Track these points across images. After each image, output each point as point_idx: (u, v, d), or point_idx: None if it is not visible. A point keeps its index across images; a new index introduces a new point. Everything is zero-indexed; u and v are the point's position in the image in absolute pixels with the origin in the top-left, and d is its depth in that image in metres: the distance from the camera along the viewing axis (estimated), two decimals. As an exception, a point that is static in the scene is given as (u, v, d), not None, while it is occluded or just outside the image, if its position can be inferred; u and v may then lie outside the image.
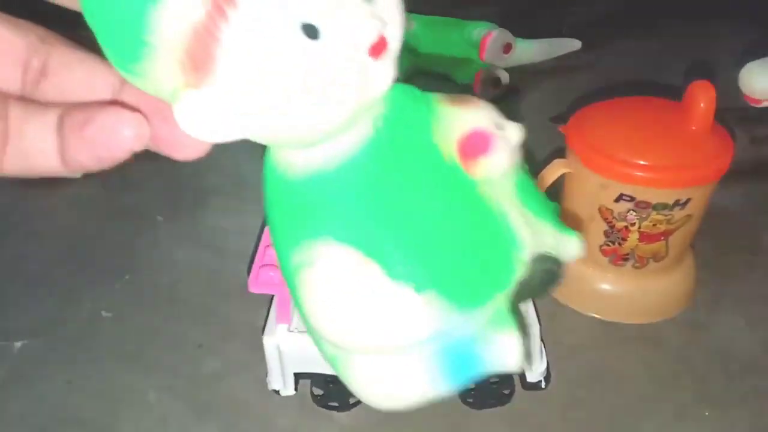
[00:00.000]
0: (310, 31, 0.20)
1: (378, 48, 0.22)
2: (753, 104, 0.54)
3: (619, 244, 0.55)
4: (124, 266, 0.67)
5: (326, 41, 0.20)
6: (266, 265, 0.48)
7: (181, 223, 0.74)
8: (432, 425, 0.50)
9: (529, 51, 0.96)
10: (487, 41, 0.90)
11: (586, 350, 0.56)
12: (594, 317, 0.58)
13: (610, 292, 0.58)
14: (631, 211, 0.52)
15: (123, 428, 0.51)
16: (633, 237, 0.54)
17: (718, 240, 0.68)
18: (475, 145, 0.29)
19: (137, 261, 0.68)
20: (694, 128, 0.51)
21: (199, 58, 0.19)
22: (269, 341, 0.48)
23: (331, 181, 0.25)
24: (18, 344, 0.58)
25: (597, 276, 0.57)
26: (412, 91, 0.29)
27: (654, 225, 0.53)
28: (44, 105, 0.22)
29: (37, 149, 0.21)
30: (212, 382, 0.54)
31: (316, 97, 0.21)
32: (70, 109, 0.21)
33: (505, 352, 0.30)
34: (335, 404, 0.51)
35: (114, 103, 0.22)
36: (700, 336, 0.58)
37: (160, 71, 0.20)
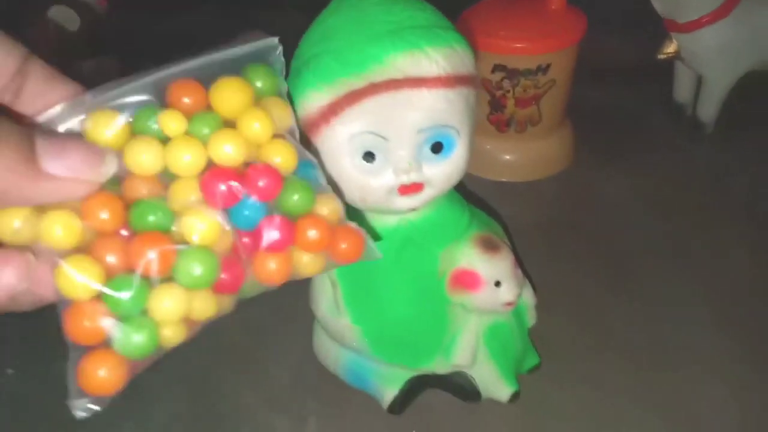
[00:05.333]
0: (369, 157, 0.34)
1: (404, 190, 0.35)
2: None
3: (501, 111, 0.66)
4: None
5: (376, 166, 0.35)
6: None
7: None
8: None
9: None
10: None
11: (483, 206, 0.67)
12: (488, 179, 0.70)
13: (499, 156, 0.69)
14: (505, 80, 0.64)
15: None
16: (510, 103, 0.66)
17: (604, 124, 0.80)
18: (465, 281, 0.40)
19: None
20: (552, 8, 0.63)
21: (310, 131, 0.34)
22: None
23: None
24: None
25: (487, 143, 0.69)
26: (459, 217, 0.41)
27: (525, 90, 0.64)
28: None
29: None
30: None
31: (357, 190, 0.35)
32: None
33: (379, 395, 0.45)
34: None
35: None
36: (576, 188, 0.69)
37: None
